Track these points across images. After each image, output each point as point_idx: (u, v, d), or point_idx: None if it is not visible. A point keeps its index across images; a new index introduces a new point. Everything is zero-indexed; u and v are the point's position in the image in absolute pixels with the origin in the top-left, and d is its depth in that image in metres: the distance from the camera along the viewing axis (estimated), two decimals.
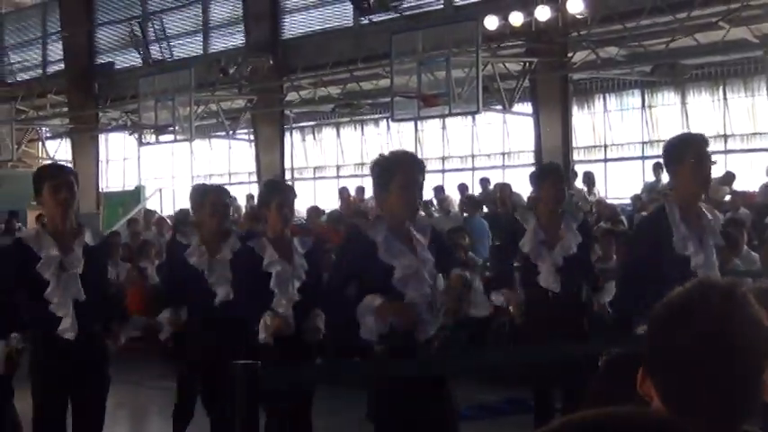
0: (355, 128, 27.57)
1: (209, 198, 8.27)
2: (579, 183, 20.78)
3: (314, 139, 28.46)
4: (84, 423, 6.94)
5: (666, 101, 22.84)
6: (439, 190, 22.06)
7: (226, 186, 9.34)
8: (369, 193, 21.89)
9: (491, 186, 21.87)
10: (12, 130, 30.58)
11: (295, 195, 7.90)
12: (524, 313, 8.58)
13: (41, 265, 6.79)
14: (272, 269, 7.45)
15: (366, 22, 23.42)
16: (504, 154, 24.89)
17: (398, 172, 6.06)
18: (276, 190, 7.91)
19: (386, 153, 6.42)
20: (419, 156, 23.20)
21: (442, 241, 6.76)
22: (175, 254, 8.52)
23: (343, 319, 6.30)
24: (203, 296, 8.09)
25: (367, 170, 6.88)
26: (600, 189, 21.46)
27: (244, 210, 22.89)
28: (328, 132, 28.27)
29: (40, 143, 33.20)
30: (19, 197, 24.10)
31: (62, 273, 6.81)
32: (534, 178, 8.96)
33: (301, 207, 23.57)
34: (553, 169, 9.27)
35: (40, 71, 32.25)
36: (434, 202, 21.46)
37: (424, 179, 6.26)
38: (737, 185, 19.05)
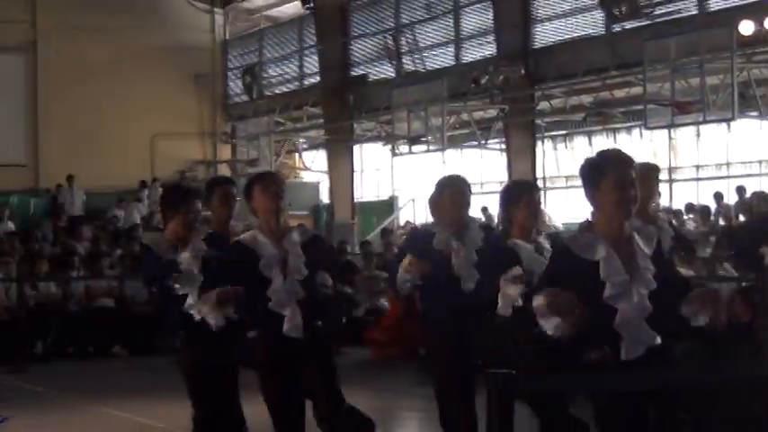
0: (607, 136, 27.30)
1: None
2: None
3: (566, 147, 28.33)
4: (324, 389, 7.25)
5: None
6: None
7: (478, 195, 9.32)
8: None
9: (747, 195, 21.38)
10: (270, 142, 31.52)
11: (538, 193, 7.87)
12: None
13: (263, 264, 7.07)
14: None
15: (618, 29, 23.21)
16: (761, 162, 24.26)
17: (610, 170, 5.81)
18: (522, 189, 7.86)
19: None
20: (672, 163, 22.80)
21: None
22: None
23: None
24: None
25: None
26: None
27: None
28: (580, 141, 28.09)
29: (297, 154, 34.05)
30: None
31: (284, 272, 7.10)
32: None
33: (555, 216, 23.59)
34: None
35: (297, 84, 33.09)
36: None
37: (638, 178, 5.93)
38: None
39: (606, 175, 5.82)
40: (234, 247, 7.35)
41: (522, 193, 7.74)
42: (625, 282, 5.74)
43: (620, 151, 6.05)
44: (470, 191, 8.47)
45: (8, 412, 12.14)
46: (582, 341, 5.74)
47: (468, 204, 8.43)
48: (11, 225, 24.81)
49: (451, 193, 8.28)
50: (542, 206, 7.89)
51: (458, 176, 8.68)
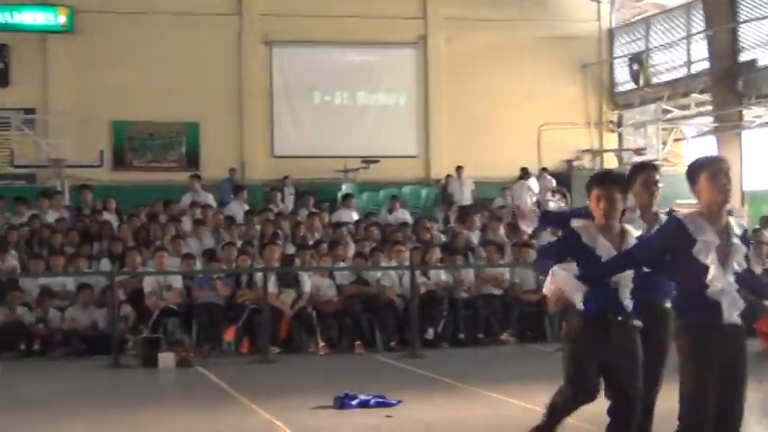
0: None
1: None
2: None
3: None
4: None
5: None
6: None
7: None
8: None
9: None
10: (657, 130, 31.24)
11: None
12: None
13: (698, 249, 6.98)
14: None
15: None
16: None
17: None
18: None
19: None
20: None
21: None
22: None
23: None
24: None
25: None
26: None
27: None
28: None
29: (685, 142, 33.57)
30: (664, 197, 24.83)
31: (724, 260, 6.97)
32: None
33: None
34: None
35: (685, 71, 32.61)
36: None
37: None
38: None
39: None
40: (669, 225, 7.33)
41: None
42: None
43: None
44: None
45: (402, 395, 12.69)
46: None
47: None
48: (404, 214, 25.61)
49: None
50: None
51: None
